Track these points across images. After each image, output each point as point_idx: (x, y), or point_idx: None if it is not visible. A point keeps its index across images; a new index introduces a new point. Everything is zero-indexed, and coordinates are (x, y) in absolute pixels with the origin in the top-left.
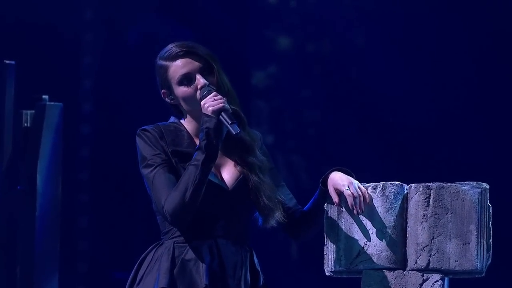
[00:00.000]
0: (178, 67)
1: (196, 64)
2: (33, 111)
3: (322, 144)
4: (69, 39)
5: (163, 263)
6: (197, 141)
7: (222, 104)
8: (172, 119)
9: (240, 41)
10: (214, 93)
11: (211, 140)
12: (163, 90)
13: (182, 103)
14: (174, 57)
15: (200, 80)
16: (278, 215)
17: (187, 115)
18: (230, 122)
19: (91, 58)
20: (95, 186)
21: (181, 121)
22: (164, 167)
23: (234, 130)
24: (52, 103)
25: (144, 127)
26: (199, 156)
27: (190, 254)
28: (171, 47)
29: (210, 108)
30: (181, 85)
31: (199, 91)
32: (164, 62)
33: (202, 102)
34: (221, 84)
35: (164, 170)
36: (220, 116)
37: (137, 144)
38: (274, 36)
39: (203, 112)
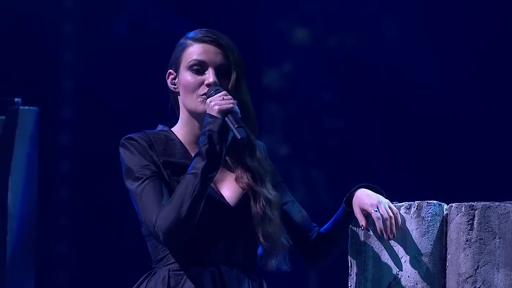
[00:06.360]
0: (196, 50)
1: (217, 58)
2: (4, 116)
3: (346, 157)
4: (46, 31)
5: None
6: (192, 152)
7: (231, 105)
8: (160, 127)
9: (250, 34)
10: (224, 92)
11: (214, 145)
12: (170, 70)
13: (181, 92)
14: (198, 40)
15: (211, 76)
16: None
17: (180, 118)
18: (236, 126)
19: (72, 54)
20: (76, 206)
21: (171, 129)
22: (154, 180)
23: (240, 134)
24: (26, 107)
25: (129, 135)
26: (198, 164)
27: (189, 284)
28: (202, 30)
29: (217, 107)
30: (189, 70)
31: (204, 87)
32: (185, 40)
33: (208, 100)
34: (233, 95)
35: (154, 183)
36: (226, 118)
37: (120, 155)
38: (289, 27)
39: (207, 112)
